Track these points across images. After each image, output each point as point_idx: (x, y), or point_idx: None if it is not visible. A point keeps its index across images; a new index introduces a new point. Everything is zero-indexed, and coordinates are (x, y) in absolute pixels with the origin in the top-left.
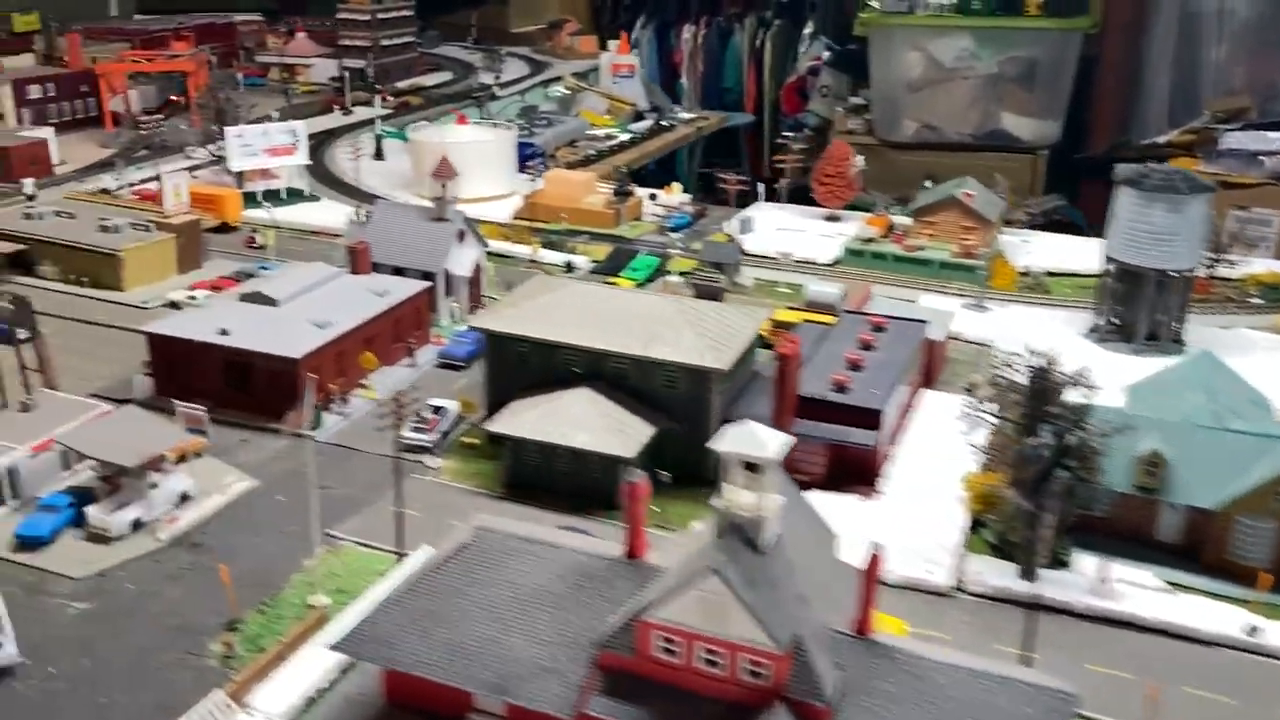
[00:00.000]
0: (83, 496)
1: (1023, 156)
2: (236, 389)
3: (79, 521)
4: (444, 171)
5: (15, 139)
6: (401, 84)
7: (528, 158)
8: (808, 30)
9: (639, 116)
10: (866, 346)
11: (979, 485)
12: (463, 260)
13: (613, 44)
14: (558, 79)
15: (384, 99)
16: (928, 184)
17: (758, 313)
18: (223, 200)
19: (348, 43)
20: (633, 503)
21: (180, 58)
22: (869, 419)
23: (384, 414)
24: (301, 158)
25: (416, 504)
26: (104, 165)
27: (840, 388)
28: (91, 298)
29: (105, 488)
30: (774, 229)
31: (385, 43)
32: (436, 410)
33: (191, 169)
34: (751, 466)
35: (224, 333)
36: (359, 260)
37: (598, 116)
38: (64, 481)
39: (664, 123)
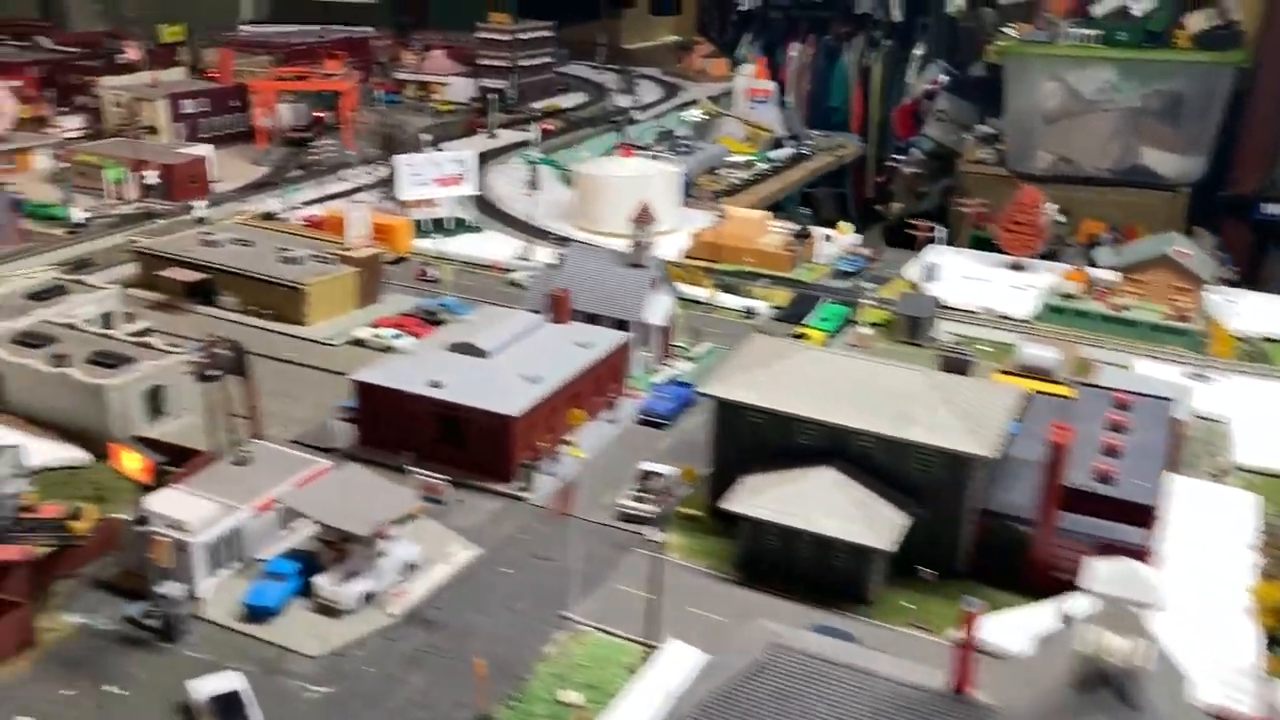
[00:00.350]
0: (307, 562)
1: (1163, 193)
2: (447, 444)
3: (305, 591)
4: (644, 218)
5: (175, 155)
6: (538, 105)
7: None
8: (918, 52)
9: (778, 144)
10: (1117, 428)
11: (1272, 598)
12: (657, 308)
13: (747, 67)
14: (691, 103)
15: (543, 130)
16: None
17: (1011, 390)
18: (395, 230)
19: (487, 62)
20: (968, 632)
21: (335, 76)
22: (1140, 515)
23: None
24: (470, 188)
25: (644, 583)
26: (261, 185)
27: (1104, 478)
28: (274, 331)
29: (330, 553)
30: (959, 277)
31: (524, 63)
32: (654, 476)
33: (345, 194)
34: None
35: (436, 385)
36: (560, 308)
37: (737, 143)
38: (281, 542)
39: (803, 150)
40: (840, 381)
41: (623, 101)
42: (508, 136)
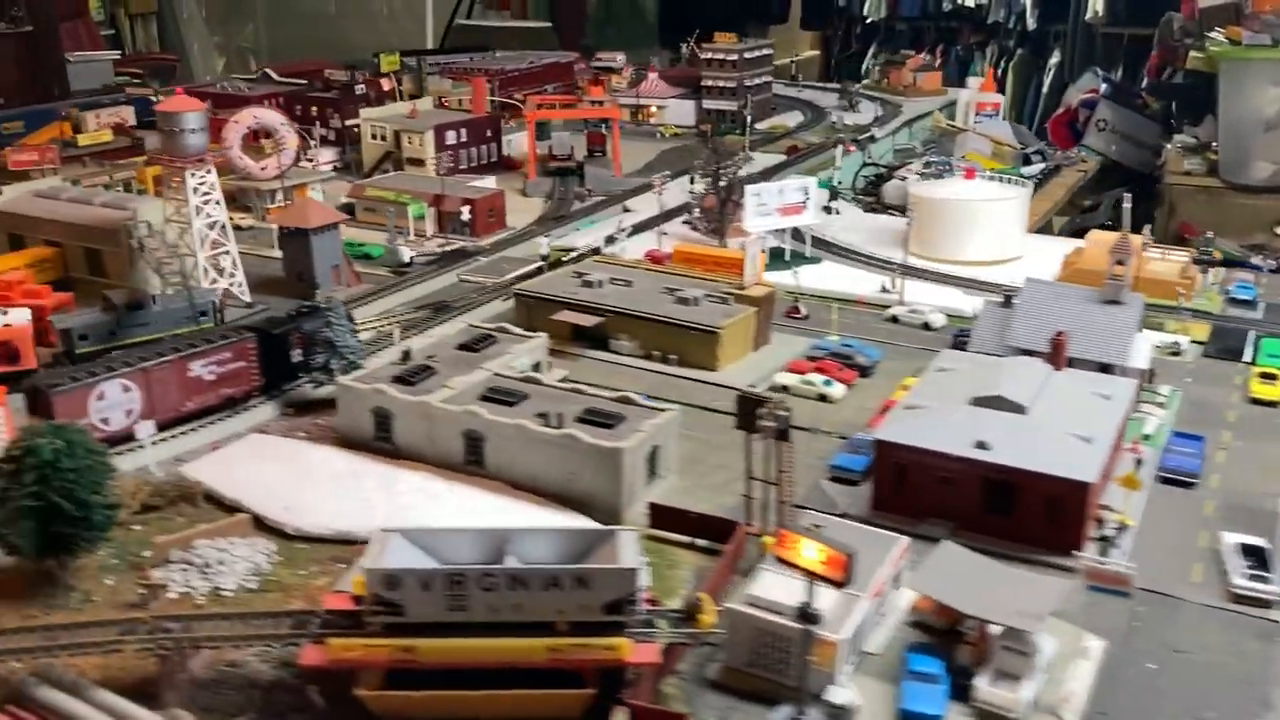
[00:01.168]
0: (938, 657)
1: None
2: (994, 512)
3: (957, 694)
4: (1122, 249)
5: (471, 190)
6: (762, 125)
7: None
8: (1053, 60)
9: (1026, 159)
10: None
11: None
12: (1139, 350)
13: (973, 80)
14: (918, 118)
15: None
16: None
17: None
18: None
19: (711, 83)
20: None
21: (603, 104)
22: None
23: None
24: (811, 216)
25: None
26: (559, 218)
27: None
28: (681, 377)
29: (967, 650)
30: None
31: (748, 82)
32: (1254, 550)
33: (647, 225)
34: None
35: (982, 446)
36: (1059, 352)
37: (985, 159)
38: (878, 632)
39: (1054, 165)
40: None
41: (848, 119)
42: (761, 160)
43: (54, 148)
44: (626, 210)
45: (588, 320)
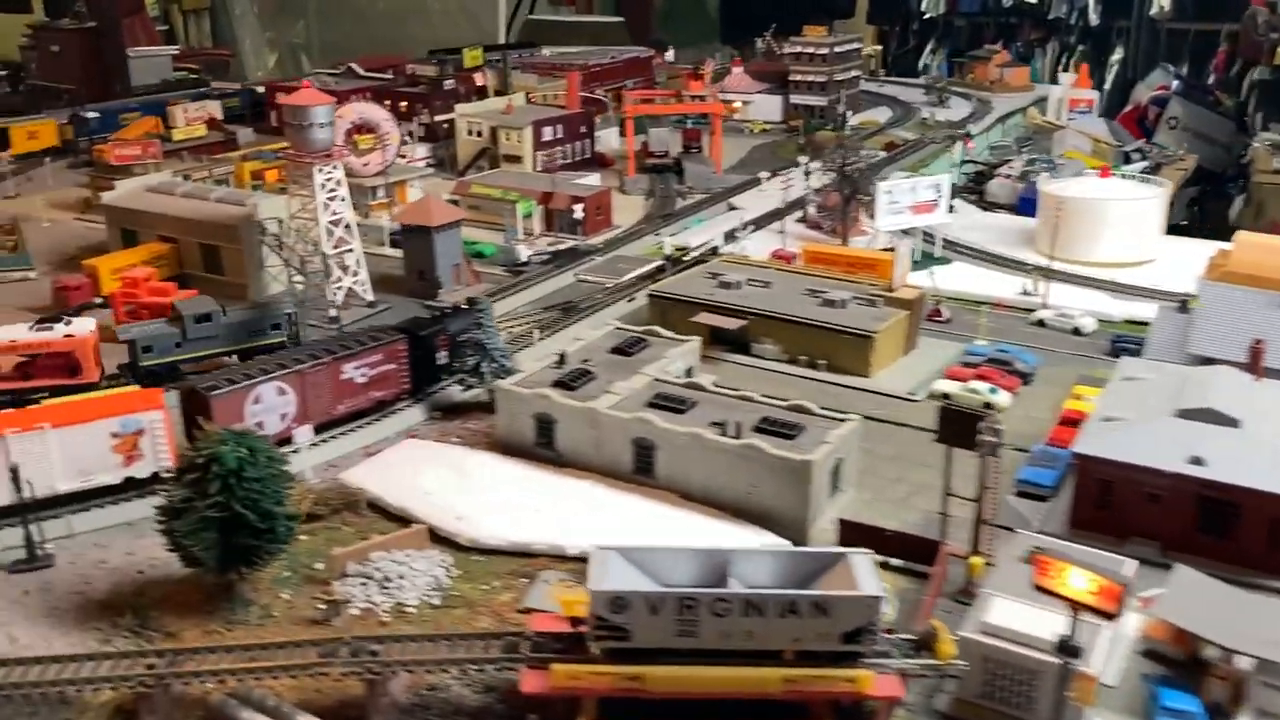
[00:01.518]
0: (1191, 693)
1: None
2: (1209, 533)
3: None
4: None
5: (578, 187)
6: (853, 121)
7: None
8: (1116, 57)
9: (1126, 157)
10: None
11: None
12: None
13: (1065, 76)
14: (1010, 115)
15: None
16: None
17: None
18: (883, 264)
19: (800, 78)
20: None
21: (703, 99)
22: None
23: None
24: (942, 215)
25: None
26: (665, 217)
27: None
28: (832, 384)
29: (1221, 685)
30: None
31: (838, 77)
32: None
33: (760, 222)
34: None
35: (1197, 461)
36: (1258, 360)
37: (1085, 157)
38: (1114, 660)
39: (1154, 164)
40: None
41: (939, 115)
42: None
43: (155, 142)
44: (732, 208)
45: (731, 323)
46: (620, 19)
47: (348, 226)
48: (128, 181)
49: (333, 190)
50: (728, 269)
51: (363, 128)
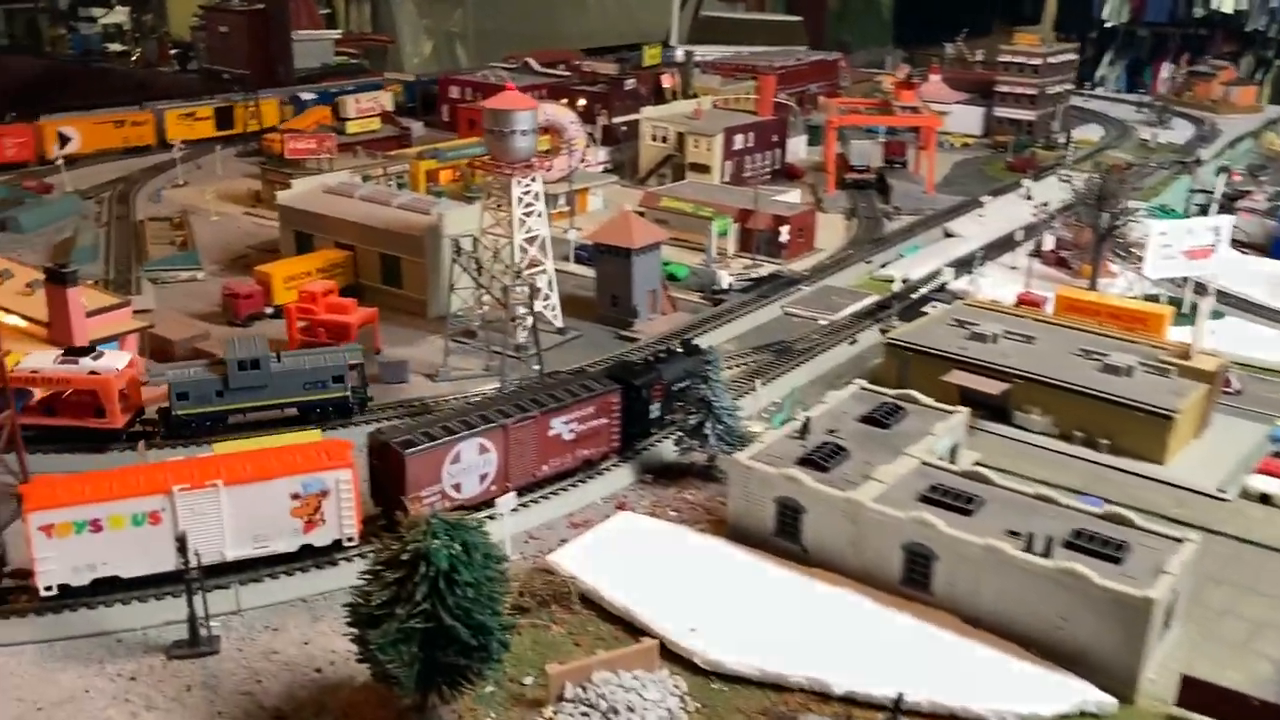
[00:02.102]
0: None
1: None
2: None
3: None
4: None
5: (781, 205)
6: (1061, 139)
7: None
8: None
9: None
10: None
11: None
12: None
13: None
14: (1239, 140)
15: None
16: None
17: None
18: (1153, 319)
19: (1007, 89)
20: None
21: (916, 110)
22: None
23: None
24: (1218, 262)
25: None
26: (875, 241)
27: None
28: (1115, 469)
29: None
30: None
31: (1049, 90)
32: None
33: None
34: None
35: None
36: None
37: None
38: None
39: None
40: None
41: (1161, 137)
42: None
43: (330, 135)
44: (948, 235)
45: (993, 387)
46: (798, 18)
47: (543, 245)
48: (305, 180)
49: (530, 205)
50: (977, 316)
51: (547, 129)
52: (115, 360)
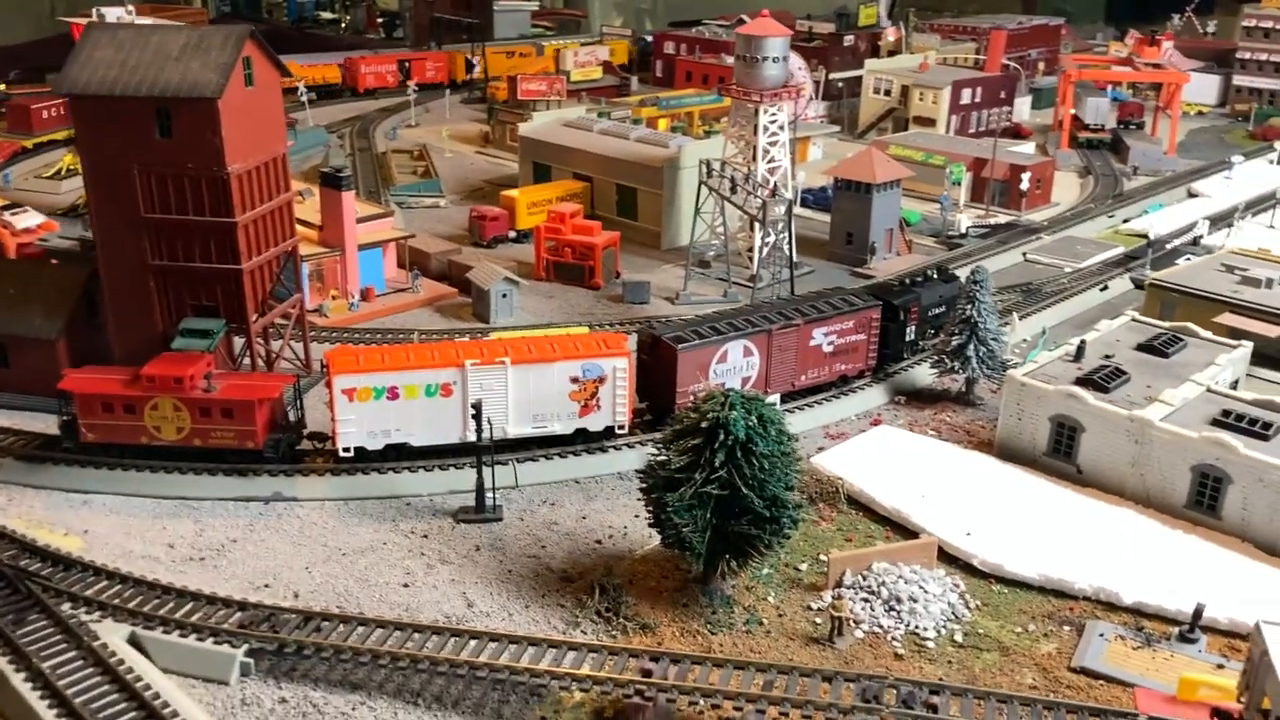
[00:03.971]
0: None
1: None
2: None
3: None
4: None
5: (1016, 156)
6: None
7: None
8: None
9: None
10: None
11: None
12: None
13: None
14: None
15: None
16: None
17: None
18: None
19: (1249, 55)
20: None
21: (1160, 67)
22: None
23: None
24: None
25: None
26: (1115, 197)
27: None
28: None
29: None
30: None
31: None
32: None
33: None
34: None
35: None
36: None
37: None
38: None
39: None
40: None
41: None
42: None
43: (560, 78)
44: (1192, 195)
45: (1270, 330)
46: None
47: (785, 175)
48: (543, 114)
49: (774, 135)
50: (1249, 263)
51: None
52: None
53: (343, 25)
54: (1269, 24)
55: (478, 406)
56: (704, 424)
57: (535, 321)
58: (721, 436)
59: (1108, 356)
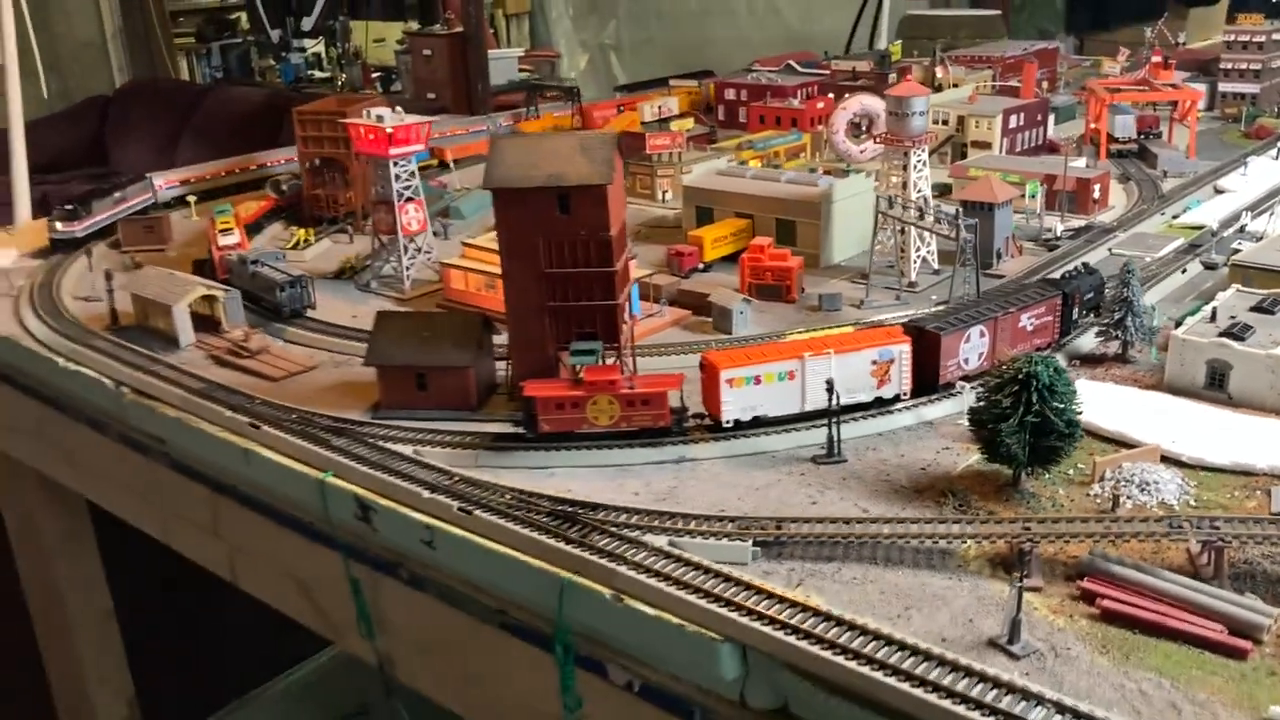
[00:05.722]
0: None
1: None
2: None
3: None
4: None
5: (1078, 170)
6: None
7: None
8: None
9: None
10: None
11: None
12: None
13: None
14: None
15: None
16: None
17: None
18: None
19: (1230, 65)
20: None
21: (1176, 87)
22: None
23: None
24: None
25: None
26: (1161, 198)
27: None
28: None
29: None
30: None
31: (1274, 64)
32: None
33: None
34: None
35: None
36: None
37: None
38: None
39: None
40: None
41: None
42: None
43: (680, 133)
44: (1218, 191)
45: None
46: (998, 11)
47: (925, 201)
48: (700, 165)
49: (920, 170)
50: None
51: (863, 116)
52: None
53: (339, 84)
54: (1246, 37)
55: (830, 383)
56: (1020, 376)
57: (762, 332)
58: (1033, 384)
59: (1232, 318)
